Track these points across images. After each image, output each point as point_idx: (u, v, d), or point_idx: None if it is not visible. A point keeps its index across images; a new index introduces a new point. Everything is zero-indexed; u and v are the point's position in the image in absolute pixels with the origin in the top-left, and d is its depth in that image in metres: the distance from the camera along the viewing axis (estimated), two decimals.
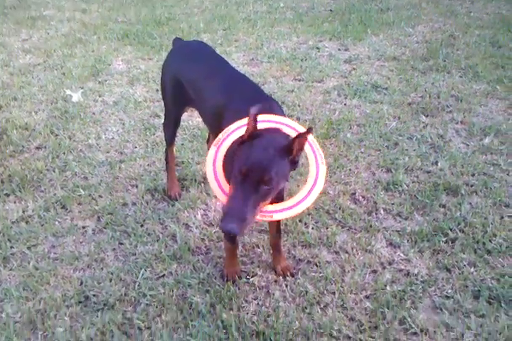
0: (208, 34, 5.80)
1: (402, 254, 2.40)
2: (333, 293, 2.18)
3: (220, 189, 1.82)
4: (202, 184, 2.96)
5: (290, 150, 1.72)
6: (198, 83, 2.37)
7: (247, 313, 2.09)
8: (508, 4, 6.79)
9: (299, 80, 4.47)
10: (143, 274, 2.30)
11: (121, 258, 2.42)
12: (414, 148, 3.31)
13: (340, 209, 2.73)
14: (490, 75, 4.40)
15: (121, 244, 2.52)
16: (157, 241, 2.52)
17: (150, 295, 2.18)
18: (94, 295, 2.19)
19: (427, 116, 3.76)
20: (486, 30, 5.72)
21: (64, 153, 3.30)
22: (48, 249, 2.49)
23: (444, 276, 2.26)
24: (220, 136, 1.91)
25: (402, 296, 2.15)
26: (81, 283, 2.26)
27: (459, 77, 4.44)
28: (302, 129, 1.90)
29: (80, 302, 2.17)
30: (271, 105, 2.07)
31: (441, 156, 3.20)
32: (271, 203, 1.78)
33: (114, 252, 2.47)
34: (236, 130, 1.88)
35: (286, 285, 2.24)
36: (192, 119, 3.72)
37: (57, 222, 2.67)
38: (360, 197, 2.84)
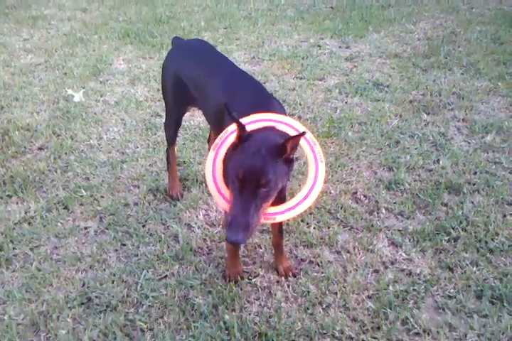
0: (209, 32, 5.78)
1: (404, 254, 2.40)
2: (335, 293, 2.18)
3: (219, 194, 1.82)
4: (203, 184, 2.95)
5: (283, 149, 1.70)
6: (200, 81, 2.36)
7: (250, 314, 2.10)
8: (509, 0, 6.75)
9: (300, 78, 4.45)
10: (145, 275, 2.30)
11: (124, 259, 2.42)
12: (415, 146, 3.30)
13: (341, 208, 2.73)
14: (492, 72, 4.37)
15: (124, 244, 2.52)
16: (159, 241, 2.52)
17: (152, 297, 2.18)
18: (96, 297, 2.19)
19: (429, 113, 3.75)
20: (488, 26, 5.70)
21: (66, 154, 3.30)
22: (51, 250, 2.50)
23: (447, 276, 2.26)
24: (218, 140, 1.91)
25: (405, 296, 2.15)
26: (83, 285, 2.27)
27: (460, 74, 4.43)
28: (298, 125, 1.89)
29: (82, 303, 2.17)
30: (271, 103, 2.07)
31: (443, 154, 3.19)
32: (273, 204, 1.78)
33: (116, 253, 2.47)
34: (233, 133, 1.88)
35: (288, 286, 2.24)
36: (193, 119, 3.72)
37: (59, 223, 2.67)
38: (362, 197, 2.83)
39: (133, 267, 2.35)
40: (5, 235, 2.57)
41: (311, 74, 4.47)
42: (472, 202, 2.74)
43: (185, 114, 2.76)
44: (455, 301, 2.12)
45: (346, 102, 3.98)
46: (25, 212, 2.75)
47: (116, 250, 2.49)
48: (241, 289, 2.23)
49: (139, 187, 2.96)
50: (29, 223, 2.67)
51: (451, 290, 2.18)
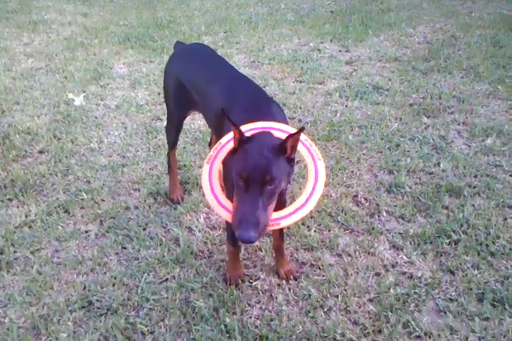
0: (209, 36, 5.81)
1: (405, 257, 2.40)
2: (337, 297, 2.18)
3: (219, 205, 1.82)
4: None
5: (284, 148, 1.72)
6: (201, 86, 2.37)
7: (250, 317, 2.09)
8: (509, 4, 6.78)
9: (300, 82, 4.47)
10: (146, 278, 2.30)
11: (124, 263, 2.42)
12: (416, 149, 3.31)
13: (342, 211, 2.73)
14: (491, 75, 4.39)
15: (124, 248, 2.52)
16: (160, 245, 2.52)
17: (153, 300, 2.18)
18: (97, 300, 2.19)
19: (429, 117, 3.76)
20: (487, 30, 5.72)
21: (66, 157, 3.31)
22: (51, 253, 2.50)
23: (448, 279, 2.26)
24: (212, 152, 1.92)
25: (406, 299, 2.14)
26: (84, 288, 2.26)
27: (460, 77, 4.44)
28: (293, 130, 1.90)
29: (83, 307, 2.16)
30: (271, 107, 2.07)
31: (444, 157, 3.19)
32: (274, 209, 1.77)
33: (117, 256, 2.47)
34: (227, 144, 1.89)
35: (289, 289, 2.24)
36: (194, 122, 3.73)
37: (60, 227, 2.67)
38: (363, 200, 2.83)
39: (134, 270, 2.35)
40: (6, 239, 2.57)
41: (311, 78, 4.48)
42: (473, 205, 2.74)
43: (186, 118, 2.77)
44: (456, 304, 2.12)
45: (346, 106, 3.99)
46: (26, 216, 2.74)
47: (117, 253, 2.49)
48: (242, 292, 2.22)
49: (139, 191, 2.96)
50: (30, 226, 2.67)
51: (453, 293, 2.17)
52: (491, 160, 3.16)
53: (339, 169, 3.10)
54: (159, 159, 3.25)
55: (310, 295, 2.18)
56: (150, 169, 3.18)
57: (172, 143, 2.80)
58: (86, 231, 2.65)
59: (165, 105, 2.77)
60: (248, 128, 1.84)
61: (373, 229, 2.59)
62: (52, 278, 2.31)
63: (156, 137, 3.55)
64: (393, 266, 2.35)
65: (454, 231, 2.52)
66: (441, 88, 4.22)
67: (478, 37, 5.47)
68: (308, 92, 4.22)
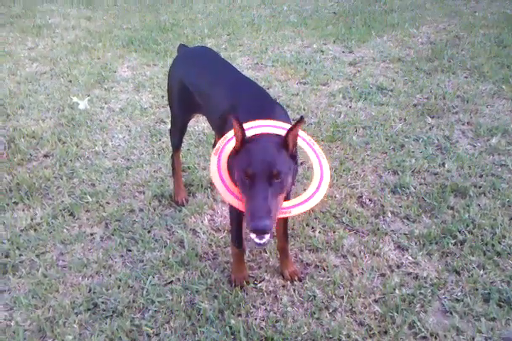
0: (213, 39, 5.82)
1: (410, 257, 2.39)
2: (342, 298, 2.17)
3: (229, 192, 1.84)
4: (208, 189, 2.96)
5: (286, 144, 1.77)
6: (204, 88, 2.38)
7: (256, 319, 2.09)
8: None
9: (304, 83, 4.47)
10: (151, 281, 2.30)
11: (129, 265, 2.42)
12: (420, 149, 3.30)
13: (347, 212, 2.72)
14: (496, 75, 4.37)
15: (129, 250, 2.52)
16: (165, 247, 2.52)
17: (158, 302, 2.18)
18: (102, 303, 2.19)
19: (433, 117, 3.75)
20: (491, 29, 5.70)
21: (71, 161, 3.32)
22: (57, 256, 2.50)
23: (454, 279, 2.24)
24: (219, 144, 1.94)
25: (412, 300, 2.13)
26: (89, 291, 2.27)
27: (464, 77, 4.43)
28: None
29: (88, 309, 2.17)
30: (275, 109, 2.08)
31: (448, 158, 3.18)
32: None
33: (122, 259, 2.47)
34: (232, 138, 1.89)
35: (294, 290, 2.23)
36: (198, 125, 3.73)
37: (65, 230, 2.68)
38: (367, 200, 2.82)
39: (139, 273, 2.35)
40: (11, 242, 2.58)
41: (314, 80, 4.48)
42: (478, 205, 2.73)
43: (190, 120, 2.77)
44: (462, 304, 2.11)
45: (350, 107, 3.99)
46: (32, 219, 2.76)
47: (122, 256, 2.49)
48: (247, 294, 2.22)
49: (144, 193, 2.97)
50: (35, 230, 2.68)
51: (459, 294, 2.16)
52: (496, 159, 3.15)
53: (343, 170, 3.09)
54: (163, 161, 3.26)
55: (315, 296, 2.18)
56: (154, 171, 3.18)
57: (176, 146, 2.80)
58: (91, 234, 2.65)
59: (169, 108, 2.77)
60: (247, 127, 1.86)
61: (378, 229, 2.58)
62: (57, 281, 2.32)
63: (160, 140, 3.56)
64: (398, 267, 2.34)
65: (459, 232, 2.51)
66: (445, 88, 4.21)
67: (482, 37, 5.46)
68: (312, 94, 4.22)
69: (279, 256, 2.35)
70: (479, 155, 3.20)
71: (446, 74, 4.50)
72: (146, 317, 2.12)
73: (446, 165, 3.09)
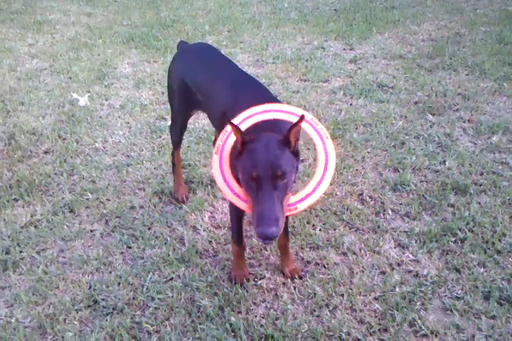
0: (213, 36, 5.80)
1: (410, 255, 2.39)
2: (342, 295, 2.17)
3: (233, 193, 1.82)
4: (209, 186, 2.96)
5: (288, 142, 1.75)
6: (205, 85, 2.37)
7: (256, 316, 2.09)
8: None
9: (305, 81, 4.46)
10: (151, 278, 2.30)
11: (130, 262, 2.42)
12: (421, 147, 3.29)
13: (347, 210, 2.72)
14: (497, 73, 4.36)
15: (129, 247, 2.52)
16: (165, 244, 2.52)
17: (158, 299, 2.18)
18: (103, 299, 2.19)
19: (434, 114, 3.74)
20: (492, 27, 5.69)
21: (71, 157, 3.32)
22: (57, 253, 2.50)
23: (454, 277, 2.24)
24: (219, 141, 1.91)
25: (412, 298, 2.13)
26: (90, 287, 2.27)
27: (465, 74, 4.42)
28: (295, 110, 1.93)
29: (89, 306, 2.17)
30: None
31: (449, 155, 3.18)
32: None
33: (122, 256, 2.47)
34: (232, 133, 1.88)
35: (295, 288, 2.23)
36: (198, 121, 3.73)
37: (65, 226, 2.68)
38: (368, 198, 2.82)
39: (139, 269, 2.35)
40: (12, 238, 2.58)
41: (315, 77, 4.47)
42: (479, 203, 2.73)
43: (190, 117, 2.76)
44: (463, 302, 2.11)
45: (351, 104, 3.98)
46: (32, 216, 2.76)
47: (122, 253, 2.49)
48: (247, 291, 2.22)
49: (144, 190, 2.97)
50: (35, 226, 2.68)
51: (459, 292, 2.16)
52: (496, 157, 3.14)
53: (344, 167, 3.09)
54: (164, 158, 3.25)
55: (315, 294, 2.18)
56: (155, 168, 3.18)
57: (176, 143, 2.80)
58: (91, 231, 2.65)
59: (169, 105, 2.77)
60: (241, 118, 1.86)
61: (378, 227, 2.58)
62: (57, 278, 2.32)
63: (160, 136, 3.55)
64: (399, 265, 2.34)
65: (459, 230, 2.51)
66: (446, 85, 4.20)
67: (483, 34, 5.44)
68: (313, 91, 4.21)
69: (279, 253, 2.35)
70: (480, 152, 3.20)
71: (447, 72, 4.49)
72: (147, 314, 2.12)
73: (446, 163, 3.09)
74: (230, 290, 2.21)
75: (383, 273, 2.30)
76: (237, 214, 2.16)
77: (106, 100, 4.20)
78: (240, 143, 1.77)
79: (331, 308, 2.11)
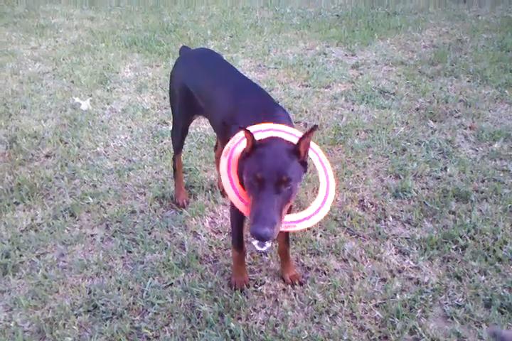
0: (215, 41, 5.82)
1: (411, 262, 2.38)
2: (342, 302, 2.16)
3: (237, 197, 1.82)
4: (209, 191, 2.96)
5: (297, 152, 1.76)
6: (206, 91, 2.38)
7: (256, 322, 2.08)
8: None
9: (306, 86, 4.46)
10: (151, 283, 2.30)
11: (130, 267, 2.42)
12: (422, 153, 3.29)
13: (348, 216, 2.72)
14: (498, 79, 4.37)
15: (130, 252, 2.52)
16: (165, 249, 2.52)
17: (158, 304, 2.18)
18: (102, 304, 2.19)
19: (435, 121, 3.74)
20: (494, 33, 5.70)
21: (73, 161, 3.32)
22: (57, 257, 2.50)
23: (455, 285, 2.24)
24: (229, 144, 1.91)
25: (412, 305, 2.13)
26: (89, 292, 2.27)
27: (467, 81, 4.42)
28: (299, 133, 1.91)
29: (88, 311, 2.17)
30: (277, 112, 2.07)
31: (450, 162, 3.18)
32: None
33: (122, 260, 2.47)
34: (243, 138, 1.88)
35: (295, 294, 2.23)
36: (199, 126, 3.73)
37: (66, 230, 2.68)
38: (369, 204, 2.82)
39: (139, 274, 2.35)
40: (12, 242, 2.58)
41: (316, 82, 4.48)
42: (480, 210, 2.72)
43: (192, 122, 2.77)
44: (463, 310, 2.10)
45: (352, 110, 3.98)
46: (32, 219, 2.75)
47: (123, 257, 2.49)
48: (247, 297, 2.22)
49: (145, 195, 2.97)
50: (36, 230, 2.68)
51: (460, 299, 2.16)
52: (498, 164, 3.14)
53: (345, 173, 3.09)
54: (165, 163, 3.25)
55: (315, 301, 2.17)
56: (156, 173, 3.18)
57: (177, 148, 2.80)
58: (92, 235, 2.65)
59: (170, 109, 2.77)
60: (257, 129, 1.85)
61: (379, 234, 2.58)
62: (57, 282, 2.32)
63: (161, 141, 3.56)
64: (399, 272, 2.34)
65: (461, 237, 2.50)
66: (447, 92, 4.21)
67: (485, 41, 5.45)
68: (314, 96, 4.22)
69: (279, 259, 2.34)
70: (481, 159, 3.19)
71: (449, 78, 4.49)
72: (146, 320, 2.11)
73: (448, 170, 3.09)
74: (229, 296, 2.20)
75: (384, 280, 2.29)
76: (237, 219, 2.16)
77: (108, 104, 4.21)
78: (249, 146, 1.77)
79: (331, 315, 2.10)
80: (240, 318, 2.10)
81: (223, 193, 2.92)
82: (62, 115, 4.00)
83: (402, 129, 3.61)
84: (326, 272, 2.34)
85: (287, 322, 2.08)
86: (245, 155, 1.80)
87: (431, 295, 2.18)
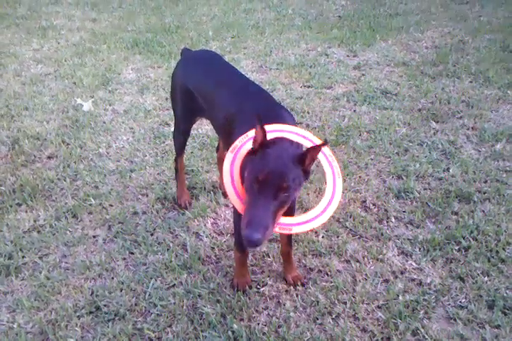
0: (217, 42, 5.82)
1: (414, 263, 2.38)
2: (345, 303, 2.16)
3: (236, 195, 1.80)
4: (211, 192, 2.96)
5: (303, 160, 1.73)
6: (208, 92, 2.37)
7: (258, 324, 2.08)
8: None
9: (308, 87, 4.47)
10: (153, 284, 2.30)
11: (132, 268, 2.42)
12: (424, 154, 3.29)
13: (350, 217, 2.71)
14: (501, 80, 4.36)
15: (132, 253, 2.52)
16: (167, 250, 2.51)
17: (160, 306, 2.18)
18: (105, 306, 2.19)
19: (438, 122, 3.74)
20: (496, 34, 5.69)
21: (75, 162, 3.32)
22: (60, 258, 2.50)
23: (458, 286, 2.23)
24: (237, 142, 1.88)
25: (415, 306, 2.12)
26: (92, 293, 2.27)
27: (469, 82, 4.42)
28: (313, 138, 1.89)
29: (91, 312, 2.17)
30: (281, 113, 2.06)
31: (453, 163, 3.17)
32: (284, 215, 1.77)
33: (124, 262, 2.47)
34: (252, 138, 1.85)
35: (297, 295, 2.22)
36: (201, 127, 3.73)
37: (68, 232, 2.68)
38: (371, 205, 2.81)
39: (141, 276, 2.35)
40: (14, 243, 2.58)
41: (318, 83, 4.48)
42: (483, 211, 2.71)
43: (194, 123, 2.77)
44: (466, 311, 2.09)
45: (354, 110, 3.98)
46: (35, 221, 2.76)
47: (125, 258, 2.49)
48: (249, 298, 2.21)
49: (147, 196, 2.97)
50: (38, 231, 2.68)
51: (463, 300, 2.15)
52: (500, 165, 3.14)
53: (347, 174, 3.08)
54: (167, 164, 3.25)
55: (318, 302, 2.17)
56: (158, 174, 3.18)
57: (179, 149, 2.80)
58: (94, 236, 2.65)
59: (172, 111, 2.77)
60: (272, 129, 1.83)
61: (382, 234, 2.57)
62: (60, 283, 2.32)
63: (163, 142, 3.56)
64: (402, 273, 2.33)
65: (463, 238, 2.50)
66: (449, 93, 4.20)
67: (487, 41, 5.45)
68: (316, 97, 4.22)
69: (282, 260, 2.34)
70: (484, 160, 3.19)
71: (451, 79, 4.49)
72: (149, 321, 2.11)
73: (450, 170, 3.08)
74: (232, 297, 2.20)
75: (386, 281, 2.29)
76: (240, 220, 2.15)
77: (110, 105, 4.21)
78: (259, 143, 1.75)
79: (333, 316, 2.10)
80: (242, 319, 2.10)
81: (225, 194, 2.92)
82: (64, 116, 4.01)
83: (404, 130, 3.61)
84: (329, 273, 2.33)
85: (290, 323, 2.07)
86: (251, 152, 1.78)
87: (433, 297, 2.17)
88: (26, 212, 2.85)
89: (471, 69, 4.64)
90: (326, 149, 1.88)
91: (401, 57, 5.11)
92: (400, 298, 2.16)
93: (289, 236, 2.25)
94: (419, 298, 2.16)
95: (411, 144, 3.42)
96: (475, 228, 2.56)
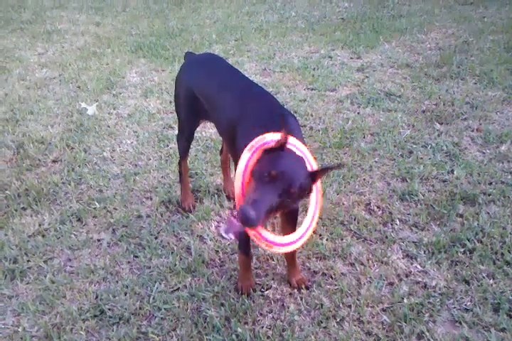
0: (220, 45, 5.84)
1: (419, 266, 2.37)
2: (349, 306, 2.15)
3: (241, 188, 1.78)
4: (215, 195, 2.96)
5: (315, 176, 1.77)
6: (212, 96, 2.38)
7: (262, 327, 2.08)
8: None
9: (312, 89, 4.46)
10: (157, 287, 2.30)
11: (136, 272, 2.42)
12: (429, 156, 3.28)
13: (355, 220, 2.71)
14: (505, 81, 4.34)
15: (136, 256, 2.52)
16: (171, 253, 2.52)
17: (165, 309, 2.18)
18: (109, 309, 2.19)
19: (442, 123, 3.73)
20: (500, 35, 5.67)
21: (79, 166, 3.33)
22: (64, 262, 2.51)
23: (463, 288, 2.22)
24: (253, 143, 1.84)
25: (420, 309, 2.11)
26: (96, 297, 2.27)
27: (473, 83, 4.40)
28: (313, 163, 1.90)
29: (95, 316, 2.17)
30: (286, 118, 2.06)
31: (457, 165, 3.16)
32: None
33: (129, 265, 2.47)
34: (269, 142, 1.82)
35: (301, 298, 2.22)
36: (205, 131, 3.74)
37: (72, 235, 2.69)
38: (375, 208, 2.81)
39: (145, 279, 2.35)
40: (19, 247, 2.59)
41: (322, 85, 4.48)
42: (488, 213, 2.70)
43: (198, 126, 2.77)
44: (472, 314, 2.08)
45: (358, 113, 3.97)
46: (40, 225, 2.77)
47: (129, 262, 2.49)
48: (253, 302, 2.21)
49: (151, 199, 2.97)
50: (43, 235, 2.69)
51: (468, 303, 2.14)
52: (505, 167, 3.12)
53: (351, 177, 3.08)
54: (171, 167, 3.26)
55: (322, 305, 2.16)
56: (162, 177, 3.19)
57: (183, 152, 2.80)
58: (98, 240, 2.66)
59: (176, 114, 2.77)
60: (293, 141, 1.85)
61: (386, 237, 2.56)
62: (64, 287, 2.33)
63: (167, 145, 3.57)
64: (407, 276, 2.32)
65: (468, 240, 2.49)
66: (454, 94, 4.19)
67: (491, 42, 5.43)
68: (320, 100, 4.22)
69: (286, 263, 2.33)
70: (488, 162, 3.17)
71: (455, 81, 4.47)
72: (153, 325, 2.11)
73: (455, 172, 3.07)
74: (236, 300, 2.20)
75: (391, 284, 2.28)
76: None
77: (114, 109, 4.23)
78: (280, 143, 1.74)
79: (338, 320, 2.09)
80: (246, 323, 2.10)
81: (229, 197, 2.92)
82: (69, 120, 4.03)
83: (409, 132, 3.60)
84: (333, 276, 2.33)
85: (294, 326, 2.07)
86: (270, 150, 1.77)
87: (438, 299, 2.16)
88: (31, 216, 2.86)
89: (475, 71, 4.62)
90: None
91: (405, 58, 5.10)
92: (405, 300, 2.15)
93: None
94: (424, 300, 2.15)
95: (415, 146, 3.41)
96: (480, 230, 2.54)
